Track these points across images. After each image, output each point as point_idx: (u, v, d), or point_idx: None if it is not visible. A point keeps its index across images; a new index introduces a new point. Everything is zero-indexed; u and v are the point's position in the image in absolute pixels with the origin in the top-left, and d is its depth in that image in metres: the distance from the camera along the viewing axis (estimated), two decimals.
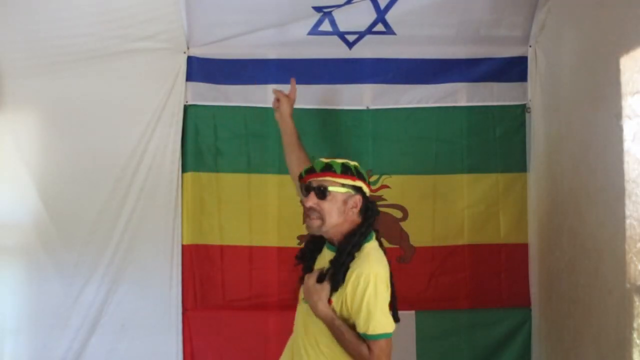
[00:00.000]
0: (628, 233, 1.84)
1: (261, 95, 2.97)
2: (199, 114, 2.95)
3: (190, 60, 2.94)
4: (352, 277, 1.94)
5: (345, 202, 2.03)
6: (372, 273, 1.93)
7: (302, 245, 2.27)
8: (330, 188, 2.01)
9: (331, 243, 2.09)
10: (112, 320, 2.83)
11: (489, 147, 2.96)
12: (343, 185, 2.02)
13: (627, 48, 1.86)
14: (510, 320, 2.92)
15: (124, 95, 2.86)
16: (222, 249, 2.94)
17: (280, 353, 2.93)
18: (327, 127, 2.98)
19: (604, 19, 2.09)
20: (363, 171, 2.08)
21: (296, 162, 2.39)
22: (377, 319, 1.92)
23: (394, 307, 2.03)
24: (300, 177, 2.12)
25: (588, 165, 2.20)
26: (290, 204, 2.94)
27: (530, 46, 2.92)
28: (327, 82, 2.98)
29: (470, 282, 2.91)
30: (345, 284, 1.95)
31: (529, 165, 2.94)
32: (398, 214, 2.95)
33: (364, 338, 1.93)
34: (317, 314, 1.97)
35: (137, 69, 2.86)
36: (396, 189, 2.95)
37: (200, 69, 2.95)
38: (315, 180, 2.03)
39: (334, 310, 1.98)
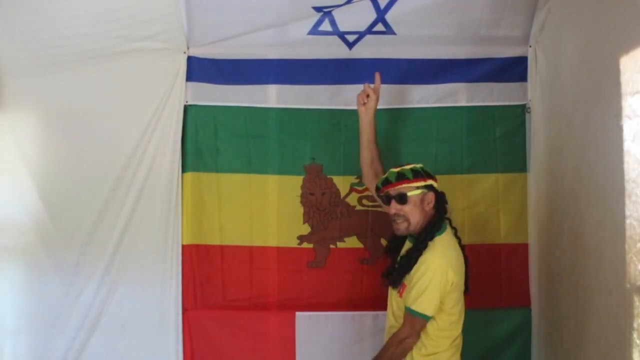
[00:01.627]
0: (628, 233, 1.83)
1: (261, 95, 2.98)
2: (199, 114, 2.95)
3: (190, 60, 2.94)
4: (419, 264, 2.27)
5: (422, 201, 2.34)
6: (434, 263, 2.25)
7: (387, 242, 2.62)
8: (408, 194, 2.32)
9: (412, 236, 2.40)
10: (112, 320, 2.83)
11: (489, 147, 2.96)
12: (417, 187, 2.33)
13: (627, 48, 1.86)
14: (510, 320, 2.92)
15: (124, 95, 2.87)
16: (222, 249, 2.94)
17: (280, 353, 2.95)
18: (327, 127, 2.98)
19: (604, 19, 2.09)
20: (428, 170, 2.40)
21: (369, 162, 2.65)
22: (422, 299, 2.24)
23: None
24: (378, 189, 2.43)
25: (588, 165, 2.20)
26: (291, 204, 2.95)
27: (530, 46, 2.92)
28: (327, 82, 2.98)
29: (470, 282, 2.90)
30: (415, 270, 2.28)
31: (529, 165, 2.94)
32: None
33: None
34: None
35: (137, 69, 2.86)
36: None
37: (200, 69, 2.95)
38: (393, 190, 2.34)
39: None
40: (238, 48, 2.94)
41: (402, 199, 2.32)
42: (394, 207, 2.34)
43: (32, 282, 2.82)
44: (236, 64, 2.97)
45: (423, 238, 2.31)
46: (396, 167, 2.38)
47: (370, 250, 2.94)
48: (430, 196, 2.36)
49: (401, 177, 2.33)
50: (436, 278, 2.24)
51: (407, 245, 2.43)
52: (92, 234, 2.82)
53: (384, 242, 2.90)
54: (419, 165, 2.39)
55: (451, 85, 2.97)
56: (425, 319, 2.27)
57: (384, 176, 2.40)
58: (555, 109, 2.63)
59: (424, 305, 2.24)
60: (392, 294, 2.43)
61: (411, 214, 2.33)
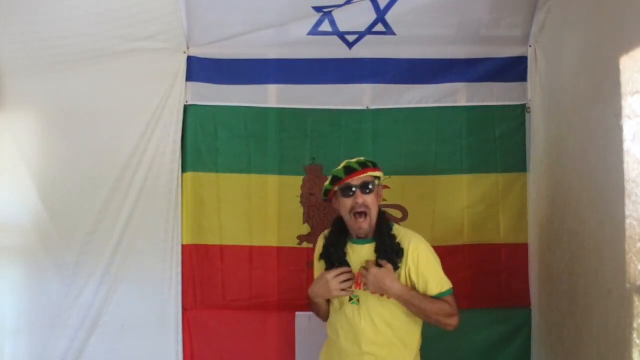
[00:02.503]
0: (628, 233, 1.84)
1: (261, 95, 2.98)
2: (199, 114, 2.95)
3: (190, 60, 2.94)
4: (409, 251, 2.16)
5: (378, 194, 2.23)
6: (422, 241, 2.20)
7: (316, 245, 2.39)
8: (375, 182, 2.19)
9: (360, 237, 2.22)
10: (112, 320, 2.83)
11: (489, 147, 2.96)
12: (376, 178, 2.22)
13: (627, 48, 1.86)
14: (510, 320, 2.92)
15: (124, 95, 2.87)
16: (222, 249, 2.94)
17: (280, 353, 2.94)
18: (327, 127, 2.98)
19: (604, 19, 2.09)
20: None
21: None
22: (443, 276, 2.19)
23: None
24: (338, 180, 2.20)
25: (588, 165, 2.20)
26: (290, 204, 2.94)
27: (530, 46, 2.93)
28: (327, 82, 2.98)
29: (470, 282, 2.91)
30: (405, 260, 2.16)
31: (529, 165, 2.94)
32: (398, 214, 2.95)
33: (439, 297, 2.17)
34: (394, 294, 2.12)
35: (137, 69, 2.86)
36: (396, 189, 2.95)
37: (200, 69, 2.95)
38: (358, 179, 2.17)
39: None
40: (238, 48, 2.95)
41: (368, 187, 2.17)
42: (361, 197, 2.16)
43: (32, 282, 2.82)
44: (236, 64, 2.97)
45: (388, 232, 2.20)
46: (351, 160, 2.25)
47: None
48: (381, 189, 2.27)
49: (364, 165, 2.19)
50: (432, 251, 2.23)
51: (359, 249, 2.24)
52: (92, 234, 2.82)
53: None
54: (366, 159, 2.26)
55: (451, 85, 2.97)
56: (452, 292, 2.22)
57: (342, 166, 2.23)
58: (555, 109, 2.63)
59: (447, 280, 2.20)
60: (372, 304, 2.19)
61: (373, 206, 2.18)
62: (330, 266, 2.23)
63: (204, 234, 2.95)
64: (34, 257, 2.81)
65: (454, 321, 2.19)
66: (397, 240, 2.18)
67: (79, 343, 2.80)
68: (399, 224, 2.32)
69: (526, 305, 2.92)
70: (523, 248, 2.94)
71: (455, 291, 2.92)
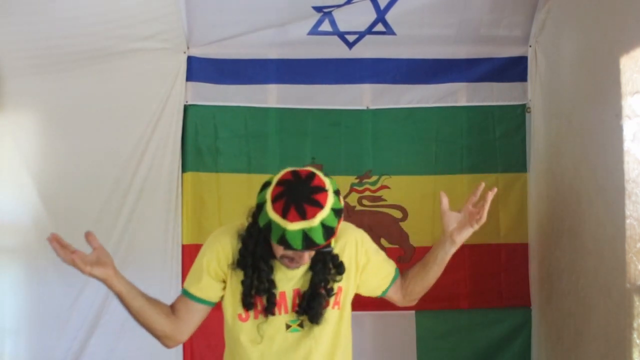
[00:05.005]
0: (628, 233, 1.84)
1: (261, 95, 2.98)
2: (199, 114, 2.95)
3: (190, 60, 2.94)
4: (344, 250, 1.73)
5: None
6: (352, 234, 1.77)
7: (213, 243, 1.78)
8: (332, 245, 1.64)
9: None
10: (112, 320, 2.82)
11: (489, 147, 2.96)
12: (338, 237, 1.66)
13: (627, 48, 1.86)
14: (510, 320, 2.92)
15: (124, 95, 2.86)
16: None
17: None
18: (327, 127, 2.98)
19: (604, 19, 2.09)
20: (335, 186, 1.59)
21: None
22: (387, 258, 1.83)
23: None
24: (288, 245, 1.52)
25: (588, 165, 2.20)
26: None
27: (530, 46, 2.93)
28: (327, 82, 2.98)
29: (470, 282, 2.91)
30: (348, 264, 1.73)
31: (529, 165, 2.94)
32: (398, 214, 2.95)
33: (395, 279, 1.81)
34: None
35: (137, 69, 2.86)
36: (396, 189, 2.95)
37: (200, 69, 2.95)
38: (316, 249, 1.56)
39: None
40: (238, 48, 2.94)
41: (322, 251, 1.63)
42: (303, 259, 1.60)
43: (32, 282, 2.81)
44: (236, 63, 2.97)
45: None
46: (289, 172, 1.61)
47: None
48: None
49: (329, 235, 1.52)
50: (366, 235, 1.81)
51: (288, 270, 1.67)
52: None
53: (384, 242, 2.90)
54: (328, 183, 1.57)
55: (451, 85, 2.97)
56: None
57: (300, 235, 1.49)
58: (555, 109, 2.63)
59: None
60: (330, 325, 1.72)
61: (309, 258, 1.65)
62: (249, 278, 1.66)
63: (204, 234, 2.93)
64: (34, 257, 2.80)
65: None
66: (335, 251, 1.71)
67: (79, 343, 2.80)
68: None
69: (526, 305, 2.92)
70: (523, 248, 2.94)
71: (455, 291, 2.93)
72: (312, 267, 1.69)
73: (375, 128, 2.97)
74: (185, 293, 1.78)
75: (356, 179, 2.94)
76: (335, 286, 1.72)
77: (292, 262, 1.61)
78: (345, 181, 2.95)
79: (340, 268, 1.71)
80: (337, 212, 1.53)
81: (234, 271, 1.70)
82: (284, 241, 1.50)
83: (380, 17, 2.85)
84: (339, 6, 2.80)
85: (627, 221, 1.84)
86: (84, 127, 2.84)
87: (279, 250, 1.59)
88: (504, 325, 2.92)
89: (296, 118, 2.97)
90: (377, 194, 2.94)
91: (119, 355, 2.83)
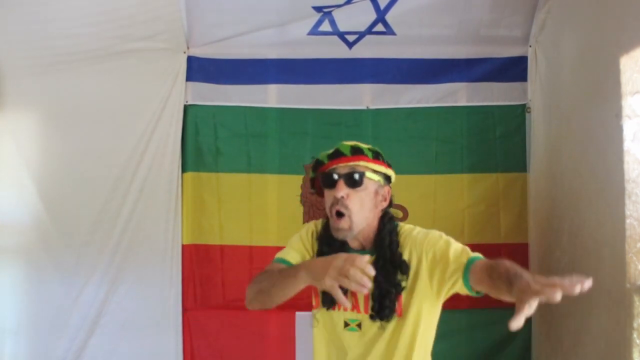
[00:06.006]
0: (628, 233, 1.84)
1: (261, 95, 2.98)
2: (199, 114, 2.95)
3: (190, 60, 2.94)
4: (411, 250, 1.67)
5: (376, 193, 1.71)
6: (413, 230, 1.73)
7: (306, 229, 1.86)
8: (366, 173, 1.66)
9: (353, 246, 1.73)
10: (112, 320, 2.83)
11: (489, 147, 2.97)
12: (375, 172, 1.70)
13: (627, 48, 1.86)
14: (510, 320, 2.91)
15: (124, 95, 2.87)
16: (222, 249, 2.94)
17: (280, 353, 2.93)
18: (327, 127, 2.98)
19: (604, 19, 2.09)
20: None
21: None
22: (457, 244, 1.69)
23: None
24: (320, 165, 1.70)
25: (588, 165, 2.20)
26: (290, 204, 2.94)
27: (530, 46, 2.92)
28: (327, 82, 2.98)
29: None
30: (415, 269, 1.65)
31: (529, 165, 2.94)
32: (398, 213, 2.93)
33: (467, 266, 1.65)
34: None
35: (137, 69, 2.86)
36: (396, 188, 2.94)
37: (200, 69, 2.96)
38: (344, 166, 1.65)
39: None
40: (238, 48, 2.95)
41: (355, 179, 1.65)
42: (341, 190, 1.63)
43: (32, 282, 2.82)
44: (236, 63, 2.97)
45: (391, 246, 1.69)
46: (348, 142, 1.73)
47: None
48: (386, 191, 1.76)
49: (357, 152, 1.67)
50: (435, 231, 1.74)
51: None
52: (92, 234, 2.82)
53: None
54: (376, 148, 1.76)
55: (451, 85, 2.97)
56: None
57: (330, 151, 1.71)
58: (555, 109, 2.63)
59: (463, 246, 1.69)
60: (374, 332, 1.67)
61: (360, 207, 1.65)
62: None
63: (204, 234, 2.95)
64: (34, 257, 2.81)
65: None
66: (400, 250, 1.68)
67: (79, 343, 2.80)
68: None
69: None
70: (523, 248, 2.94)
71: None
72: (374, 263, 1.62)
73: (375, 128, 2.97)
74: (280, 260, 1.83)
75: None
76: (402, 284, 1.65)
77: (332, 217, 1.63)
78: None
79: (403, 267, 1.65)
80: (374, 151, 1.71)
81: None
82: (334, 154, 1.66)
83: (380, 17, 2.85)
84: (339, 6, 2.80)
85: (627, 221, 1.84)
86: (84, 127, 2.85)
87: (325, 198, 1.67)
88: (504, 325, 2.88)
89: (296, 118, 2.97)
90: None
91: (119, 355, 2.84)
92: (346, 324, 1.70)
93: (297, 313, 2.88)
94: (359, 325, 1.68)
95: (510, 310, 3.05)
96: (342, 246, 1.70)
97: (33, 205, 2.80)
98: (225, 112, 2.97)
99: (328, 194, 1.68)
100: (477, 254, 1.69)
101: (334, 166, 1.67)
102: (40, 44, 2.78)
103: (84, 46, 2.81)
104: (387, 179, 1.78)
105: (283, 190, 2.95)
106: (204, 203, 2.95)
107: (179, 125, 2.90)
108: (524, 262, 2.94)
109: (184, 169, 2.93)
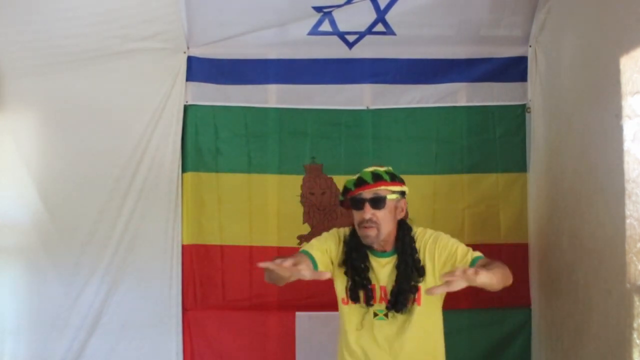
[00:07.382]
0: (628, 233, 1.84)
1: (261, 95, 2.98)
2: (199, 114, 2.96)
3: (190, 60, 2.94)
4: (425, 253, 2.10)
5: (395, 207, 2.12)
6: (426, 234, 2.14)
7: (332, 232, 2.23)
8: (387, 197, 2.08)
9: (376, 249, 2.13)
10: (112, 320, 2.83)
11: (489, 147, 2.97)
12: (393, 192, 2.11)
13: (627, 48, 1.86)
14: (510, 320, 2.92)
15: (124, 95, 2.87)
16: (222, 249, 2.94)
17: (280, 353, 2.93)
18: (327, 127, 2.98)
19: (604, 19, 2.09)
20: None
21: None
22: (464, 246, 2.09)
23: None
24: (346, 191, 2.13)
25: (588, 165, 2.20)
26: (290, 204, 2.94)
27: (530, 46, 2.93)
28: (327, 82, 2.98)
29: None
30: (432, 262, 2.09)
31: (529, 165, 2.94)
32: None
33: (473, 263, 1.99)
34: (477, 283, 1.74)
35: (137, 69, 2.86)
36: None
37: (200, 69, 2.96)
38: (369, 192, 2.08)
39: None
40: (238, 48, 2.95)
41: (379, 202, 2.07)
42: (368, 212, 2.06)
43: (32, 282, 2.82)
44: (236, 63, 2.97)
45: (410, 243, 2.12)
46: (368, 169, 2.15)
47: None
48: (403, 203, 2.16)
49: (378, 179, 2.09)
50: (441, 232, 2.16)
51: (381, 262, 2.14)
52: (92, 234, 2.82)
53: None
54: (390, 169, 2.17)
55: (451, 85, 2.97)
56: None
57: (356, 177, 2.13)
58: (555, 109, 2.63)
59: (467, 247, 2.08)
60: (408, 315, 2.12)
61: (384, 221, 2.08)
62: (352, 274, 2.13)
63: (204, 234, 2.95)
64: (34, 257, 2.81)
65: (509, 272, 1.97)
66: (418, 255, 2.10)
67: (79, 343, 2.80)
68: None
69: (526, 305, 2.92)
70: (523, 248, 2.94)
71: (456, 291, 2.93)
72: (397, 267, 2.10)
73: (375, 128, 2.97)
74: (304, 252, 2.14)
75: None
76: (416, 286, 2.09)
77: (363, 228, 2.06)
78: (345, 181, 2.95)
79: (420, 271, 2.09)
80: (390, 173, 2.12)
81: (338, 266, 2.17)
82: (358, 182, 2.09)
83: (380, 17, 2.85)
84: (339, 6, 2.80)
85: (627, 221, 1.84)
86: (84, 127, 2.85)
87: (355, 217, 2.10)
88: (504, 325, 2.92)
89: (296, 118, 2.97)
90: None
91: (119, 355, 2.84)
92: (375, 314, 2.13)
93: (297, 313, 2.89)
94: (386, 315, 2.12)
95: (511, 310, 3.05)
96: (368, 250, 2.13)
97: (33, 205, 2.80)
98: (226, 112, 2.97)
99: (356, 214, 2.10)
100: (479, 254, 2.06)
101: (360, 192, 2.08)
102: (40, 44, 2.79)
103: (84, 46, 2.81)
104: (402, 193, 2.16)
105: (283, 191, 2.95)
106: (204, 203, 2.95)
107: (179, 125, 2.91)
108: (524, 262, 2.94)
109: (184, 169, 2.93)
